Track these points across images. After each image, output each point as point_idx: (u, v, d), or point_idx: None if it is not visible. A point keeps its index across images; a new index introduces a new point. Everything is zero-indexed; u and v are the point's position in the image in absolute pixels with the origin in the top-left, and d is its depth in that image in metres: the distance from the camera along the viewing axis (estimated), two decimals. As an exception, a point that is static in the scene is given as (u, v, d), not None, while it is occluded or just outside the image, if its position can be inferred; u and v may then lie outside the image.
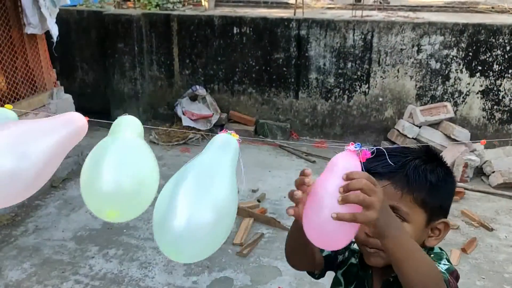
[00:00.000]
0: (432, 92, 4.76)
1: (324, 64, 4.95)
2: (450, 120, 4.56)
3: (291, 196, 0.90)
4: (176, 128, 5.29)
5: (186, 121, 5.20)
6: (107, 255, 3.01)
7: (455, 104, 4.71)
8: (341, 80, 4.96)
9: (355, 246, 1.20)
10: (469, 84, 4.64)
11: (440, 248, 1.13)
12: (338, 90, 5.01)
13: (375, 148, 0.92)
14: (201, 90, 5.29)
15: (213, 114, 5.25)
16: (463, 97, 4.70)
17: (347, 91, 4.98)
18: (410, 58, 4.71)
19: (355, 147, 0.88)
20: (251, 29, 5.07)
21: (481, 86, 4.62)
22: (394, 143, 4.69)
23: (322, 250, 1.21)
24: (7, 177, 0.88)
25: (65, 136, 0.98)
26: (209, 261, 2.89)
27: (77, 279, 2.76)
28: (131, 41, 5.24)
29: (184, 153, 4.80)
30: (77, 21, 5.55)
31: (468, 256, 3.06)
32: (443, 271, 1.00)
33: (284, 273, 2.83)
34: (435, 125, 4.57)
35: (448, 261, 1.08)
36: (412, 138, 4.54)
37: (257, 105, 5.31)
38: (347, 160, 0.87)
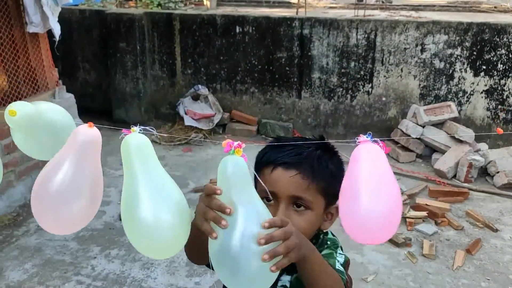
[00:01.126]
0: (436, 91, 4.73)
1: (327, 64, 4.93)
2: (454, 120, 4.53)
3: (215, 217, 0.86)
4: (178, 127, 5.27)
5: (188, 121, 5.18)
6: (109, 255, 2.99)
7: (459, 104, 4.68)
8: (344, 79, 4.93)
9: None
10: (473, 83, 4.61)
11: (332, 234, 1.22)
12: (341, 89, 4.98)
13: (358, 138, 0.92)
14: (203, 90, 5.27)
15: (215, 113, 5.23)
16: (467, 97, 4.66)
17: (350, 91, 4.95)
18: (414, 57, 4.67)
19: (367, 136, 0.89)
20: (253, 28, 5.04)
21: (486, 85, 4.58)
22: (397, 143, 4.66)
23: None
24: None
25: (91, 154, 0.97)
26: (212, 261, 2.87)
27: (79, 280, 2.74)
28: (133, 41, 5.22)
29: (186, 153, 4.78)
30: (79, 20, 5.54)
31: (473, 257, 3.03)
32: (341, 269, 1.07)
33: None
34: (439, 124, 4.54)
35: (341, 249, 1.16)
36: (416, 138, 4.51)
37: (260, 105, 5.28)
38: (369, 150, 0.87)
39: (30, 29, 3.51)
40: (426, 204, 3.55)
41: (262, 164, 1.12)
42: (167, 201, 0.92)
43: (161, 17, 5.29)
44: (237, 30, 5.09)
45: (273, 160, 1.09)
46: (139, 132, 0.92)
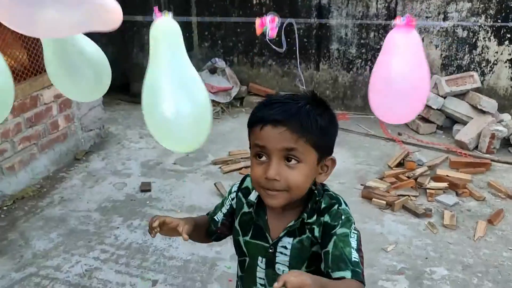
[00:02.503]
0: (458, 61, 4.61)
1: (346, 34, 4.83)
2: (477, 90, 4.43)
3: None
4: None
5: (205, 94, 5.17)
6: (131, 225, 3.04)
7: (482, 74, 4.57)
8: (363, 50, 4.85)
9: (240, 195, 1.30)
10: (497, 52, 4.48)
11: (342, 200, 1.20)
12: (360, 61, 4.90)
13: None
14: (220, 63, 5.24)
15: (232, 86, 5.20)
16: (490, 66, 4.54)
17: (369, 62, 4.87)
18: (436, 26, 4.55)
19: (402, 20, 0.90)
20: (270, -1, 4.95)
21: (510, 54, 4.45)
22: (418, 114, 4.59)
23: (211, 235, 1.36)
24: None
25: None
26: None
27: (103, 249, 2.80)
28: (149, 13, 5.17)
29: (204, 126, 4.78)
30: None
31: (495, 228, 3.00)
32: (356, 260, 1.07)
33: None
34: (461, 95, 4.44)
35: (354, 223, 1.14)
36: (437, 109, 4.43)
37: (277, 77, 5.24)
38: (403, 33, 0.88)
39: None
40: (447, 175, 3.51)
41: (252, 123, 1.15)
42: (190, 96, 0.92)
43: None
44: (254, 2, 5.01)
45: (262, 118, 1.12)
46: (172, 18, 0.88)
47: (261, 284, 1.24)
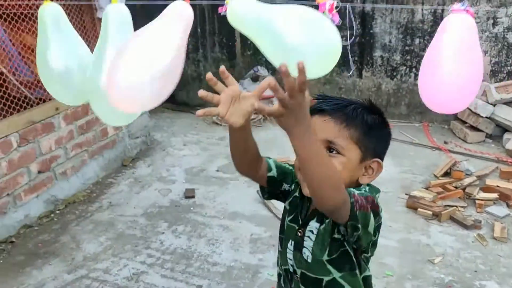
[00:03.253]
0: (508, 67, 4.45)
1: (390, 41, 4.77)
2: (529, 97, 4.25)
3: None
4: (238, 109, 5.33)
5: (248, 102, 5.22)
6: (176, 231, 3.11)
7: (535, 80, 4.38)
8: (408, 57, 4.76)
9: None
10: (551, 58, 4.30)
11: (371, 186, 1.20)
12: (404, 68, 4.82)
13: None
14: (262, 71, 5.28)
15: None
16: (543, 73, 4.36)
17: (414, 69, 4.78)
18: (485, 31, 4.42)
19: (462, 6, 0.88)
20: (314, 6, 4.96)
21: None
22: (465, 122, 4.46)
23: (269, 169, 1.29)
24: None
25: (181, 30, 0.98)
26: (275, 239, 2.91)
27: (149, 253, 2.88)
28: (193, 23, 5.30)
29: (247, 134, 4.83)
30: (142, 4, 5.69)
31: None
32: (349, 190, 1.06)
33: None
34: (511, 103, 4.28)
35: (366, 191, 1.14)
36: (486, 117, 4.29)
37: (319, 85, 5.22)
38: (461, 20, 0.86)
39: (100, 14, 3.66)
40: (497, 186, 3.38)
41: None
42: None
43: (221, -1, 5.32)
44: (297, 10, 5.03)
45: (313, 110, 1.15)
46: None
47: (291, 265, 1.27)
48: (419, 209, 3.17)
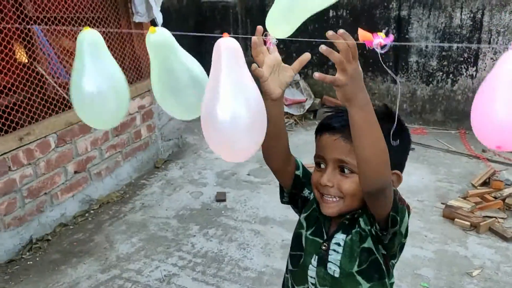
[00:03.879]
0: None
1: (426, 46, 4.67)
2: None
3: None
4: (269, 113, 5.32)
5: (279, 106, 5.21)
6: (207, 234, 3.11)
7: None
8: (445, 63, 4.65)
9: None
10: None
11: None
12: (440, 73, 4.70)
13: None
14: (294, 75, 5.25)
15: (306, 99, 5.20)
16: None
17: (451, 75, 4.66)
18: (529, 38, 4.27)
19: None
20: (347, 11, 4.91)
21: None
22: None
23: (298, 167, 1.25)
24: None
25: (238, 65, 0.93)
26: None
27: (181, 256, 2.89)
28: (227, 27, 5.34)
29: (278, 138, 4.81)
30: (177, 9, 5.76)
31: None
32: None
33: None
34: (554, 111, 4.11)
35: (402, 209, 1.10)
36: (527, 125, 4.13)
37: (352, 90, 5.15)
38: None
39: (136, 18, 3.72)
40: (540, 197, 3.25)
41: (315, 132, 1.17)
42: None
43: (254, 3, 5.34)
44: (331, 14, 4.99)
45: (323, 127, 1.15)
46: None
47: (312, 283, 1.20)
48: (456, 220, 3.07)
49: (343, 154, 1.09)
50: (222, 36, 0.93)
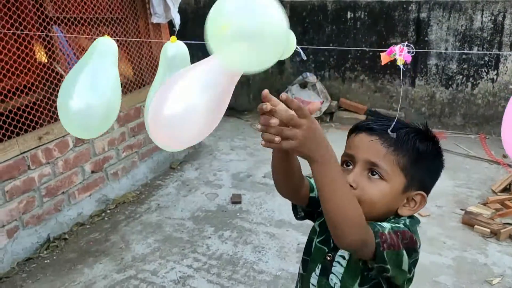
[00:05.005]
0: None
1: (446, 49, 4.60)
2: None
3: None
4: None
5: (295, 108, 5.18)
6: (222, 236, 3.10)
7: None
8: (465, 66, 4.57)
9: None
10: None
11: (412, 218, 1.10)
12: (460, 77, 4.63)
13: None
14: (311, 77, 5.23)
15: (323, 101, 5.16)
16: None
17: (471, 78, 4.58)
18: (551, 40, 4.18)
19: None
20: (366, 13, 4.87)
21: None
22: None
23: (312, 189, 1.19)
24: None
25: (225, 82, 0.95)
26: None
27: (196, 257, 2.88)
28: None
29: (294, 140, 4.79)
30: (194, 10, 5.78)
31: None
32: (382, 225, 0.98)
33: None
34: None
35: (405, 225, 1.04)
36: (549, 131, 4.04)
37: (369, 93, 5.11)
38: None
39: (154, 19, 3.73)
40: (563, 205, 3.17)
41: (350, 132, 1.13)
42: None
43: (272, 5, 5.32)
44: (349, 16, 4.95)
45: (361, 126, 1.11)
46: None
47: None
48: (476, 226, 3.02)
49: (377, 157, 1.05)
50: None
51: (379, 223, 1.00)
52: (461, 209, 3.26)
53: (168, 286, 2.62)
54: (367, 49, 4.84)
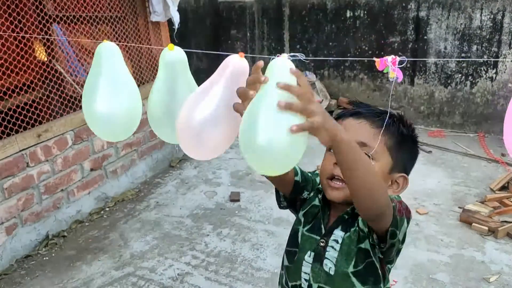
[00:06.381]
0: None
1: (445, 48, 4.60)
2: None
3: (240, 92, 0.89)
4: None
5: (295, 107, 5.18)
6: (221, 234, 3.11)
7: None
8: (464, 64, 4.58)
9: (317, 189, 1.26)
10: None
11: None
12: (459, 75, 4.63)
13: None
14: (310, 76, 5.24)
15: (322, 100, 5.17)
16: None
17: (470, 77, 4.59)
18: (550, 39, 4.18)
19: None
20: (365, 12, 4.87)
21: None
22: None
23: (296, 173, 1.22)
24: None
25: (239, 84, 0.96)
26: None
27: (194, 255, 2.89)
28: (243, 28, 5.34)
29: (293, 139, 4.79)
30: (194, 9, 5.78)
31: None
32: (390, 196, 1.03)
33: (399, 266, 2.70)
34: None
35: (397, 198, 1.11)
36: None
37: (368, 92, 5.11)
38: None
39: (153, 18, 3.74)
40: (560, 203, 3.18)
41: (337, 117, 1.16)
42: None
43: (271, 4, 5.33)
44: (348, 15, 4.96)
45: (346, 112, 1.16)
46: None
47: (305, 279, 1.19)
48: (473, 224, 3.02)
49: (367, 138, 1.08)
50: (237, 54, 0.97)
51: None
52: (459, 207, 3.27)
53: (166, 283, 2.63)
54: (358, 58, 4.85)
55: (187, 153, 1.04)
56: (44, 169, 2.98)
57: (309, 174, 1.29)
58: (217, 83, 0.98)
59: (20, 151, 2.81)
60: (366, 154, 1.06)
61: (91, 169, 3.36)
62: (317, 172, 1.30)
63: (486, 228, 2.97)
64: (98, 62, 1.10)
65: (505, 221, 3.05)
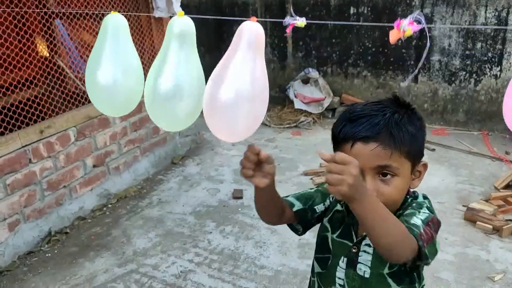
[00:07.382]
0: None
1: (449, 45, 4.57)
2: None
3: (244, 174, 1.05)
4: (287, 111, 5.28)
5: (298, 104, 5.17)
6: (224, 231, 3.10)
7: None
8: (468, 62, 4.55)
9: None
10: None
11: (424, 196, 1.16)
12: (464, 73, 4.61)
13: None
14: (313, 73, 5.21)
15: (325, 97, 5.15)
16: None
17: (474, 74, 4.56)
18: (555, 37, 4.15)
19: None
20: (368, 9, 4.84)
21: None
22: (529, 132, 4.21)
23: (291, 205, 1.24)
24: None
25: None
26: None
27: (197, 252, 2.88)
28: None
29: (295, 136, 4.78)
30: (197, 6, 5.76)
31: None
32: (417, 223, 1.02)
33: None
34: None
35: (429, 209, 1.10)
36: (553, 127, 4.02)
37: (372, 89, 5.09)
38: None
39: (156, 13, 3.71)
40: None
41: (340, 140, 1.11)
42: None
43: (274, 0, 5.30)
44: (351, 11, 4.93)
45: (351, 136, 1.08)
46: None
47: (340, 285, 1.19)
48: (478, 223, 3.00)
49: (385, 161, 1.05)
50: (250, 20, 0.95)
51: (412, 222, 1.03)
52: (464, 206, 3.25)
53: (169, 281, 2.62)
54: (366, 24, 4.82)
55: (217, 134, 1.04)
56: (47, 165, 2.97)
57: (310, 190, 1.30)
58: (235, 55, 0.97)
59: (23, 147, 2.80)
60: (389, 173, 1.06)
61: (94, 166, 3.34)
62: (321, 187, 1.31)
63: (491, 226, 2.95)
64: (105, 33, 1.08)
65: (510, 220, 3.03)
